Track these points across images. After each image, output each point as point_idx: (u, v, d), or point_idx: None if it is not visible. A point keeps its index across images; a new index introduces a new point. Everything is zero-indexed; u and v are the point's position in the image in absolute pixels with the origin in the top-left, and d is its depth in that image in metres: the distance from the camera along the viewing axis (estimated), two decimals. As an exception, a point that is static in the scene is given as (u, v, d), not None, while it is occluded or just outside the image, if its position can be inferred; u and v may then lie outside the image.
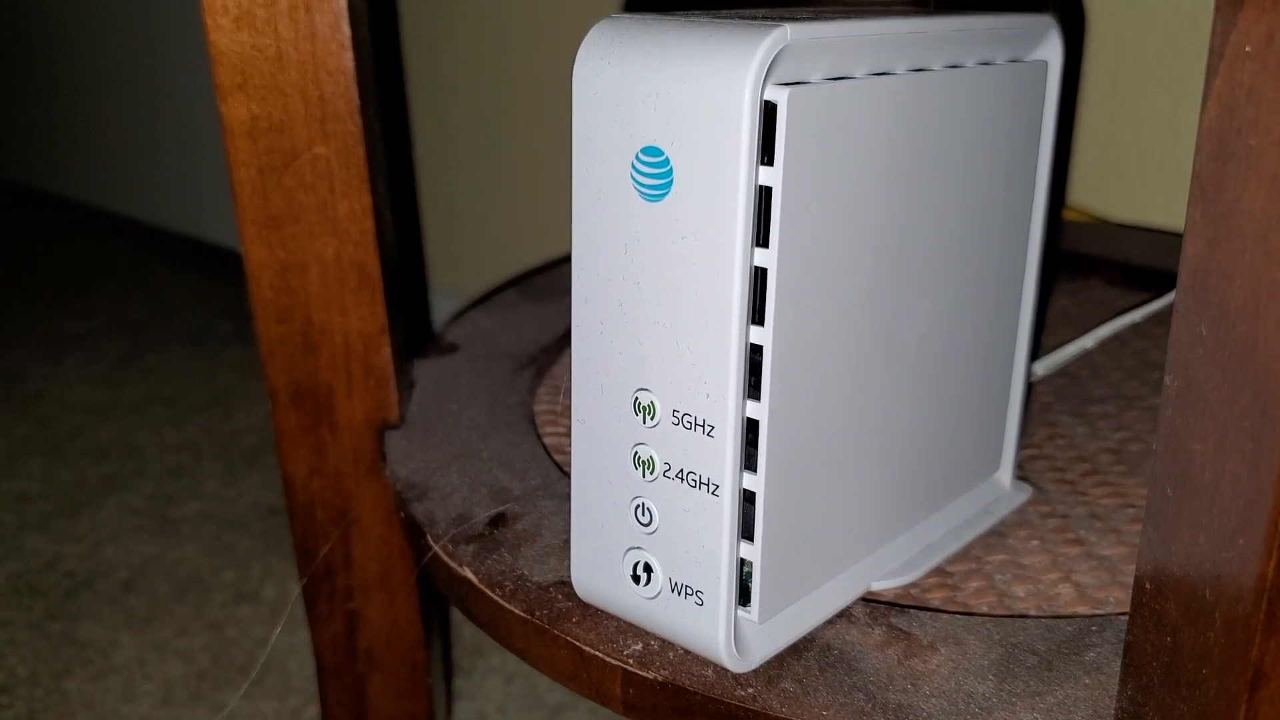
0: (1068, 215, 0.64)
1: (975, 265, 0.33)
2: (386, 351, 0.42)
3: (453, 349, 0.50)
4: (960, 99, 0.31)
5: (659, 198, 0.27)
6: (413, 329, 0.45)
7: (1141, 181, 0.64)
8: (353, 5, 0.38)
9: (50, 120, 1.49)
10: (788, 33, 0.25)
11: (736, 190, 0.25)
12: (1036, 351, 0.49)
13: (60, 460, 0.90)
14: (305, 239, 0.40)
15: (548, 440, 0.43)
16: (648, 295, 0.27)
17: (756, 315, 0.27)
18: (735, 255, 0.26)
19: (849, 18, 0.27)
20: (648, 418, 0.28)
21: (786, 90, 0.25)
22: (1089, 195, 0.66)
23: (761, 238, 0.26)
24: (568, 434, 0.44)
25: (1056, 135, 0.36)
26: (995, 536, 0.37)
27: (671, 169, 0.26)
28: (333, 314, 0.41)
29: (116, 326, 1.16)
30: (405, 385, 0.45)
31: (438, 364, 0.48)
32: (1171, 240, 0.60)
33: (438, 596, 0.49)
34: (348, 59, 0.38)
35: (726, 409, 0.27)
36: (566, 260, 0.60)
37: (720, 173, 0.25)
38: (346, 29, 0.38)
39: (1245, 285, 0.21)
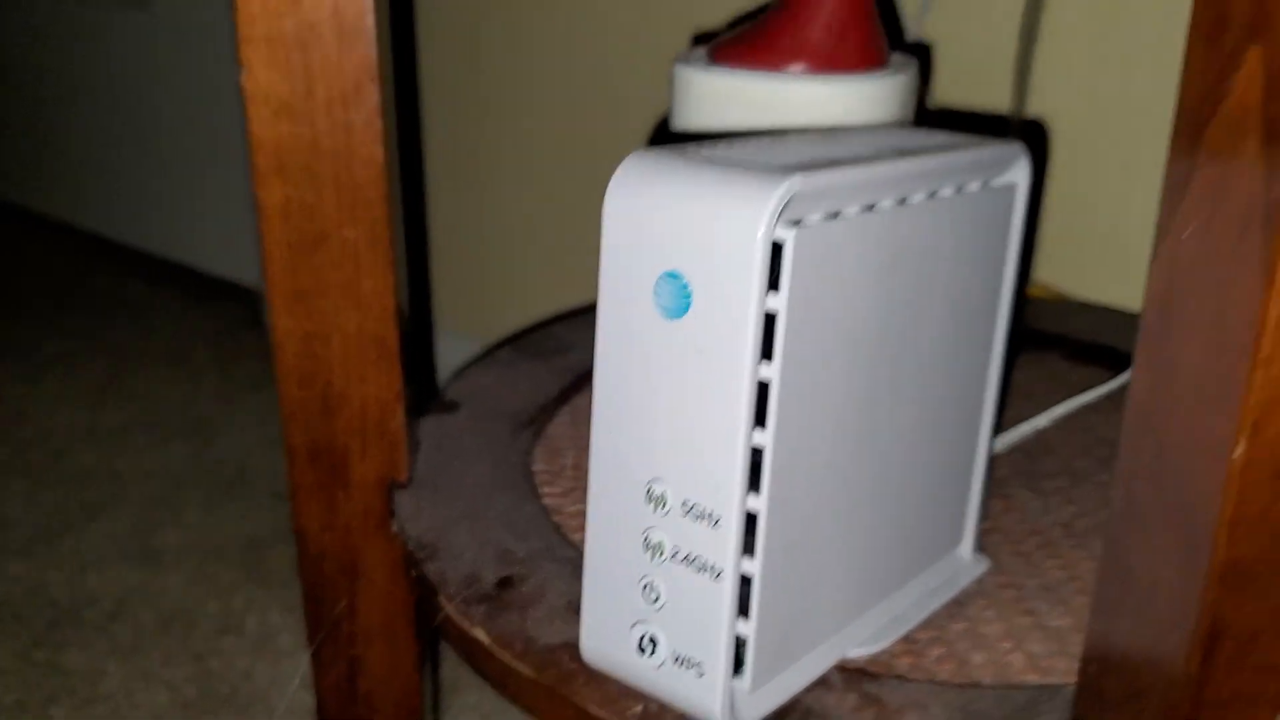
0: (1030, 292, 0.69)
1: (948, 366, 0.37)
2: (400, 416, 0.45)
3: (454, 407, 0.53)
4: (939, 224, 0.35)
5: (678, 316, 0.30)
6: (418, 377, 0.48)
7: (1099, 260, 0.69)
8: (385, 100, 0.41)
9: (30, 138, 1.50)
10: (796, 183, 0.29)
11: (747, 314, 0.29)
12: (996, 427, 0.53)
13: (42, 485, 0.92)
14: (330, 312, 0.43)
15: (547, 501, 0.46)
16: (664, 399, 0.31)
17: (759, 420, 0.30)
18: (744, 369, 0.29)
19: (844, 163, 0.31)
20: (659, 506, 0.31)
21: (792, 231, 0.29)
22: (1051, 271, 0.71)
23: (766, 353, 0.30)
24: (565, 495, 0.47)
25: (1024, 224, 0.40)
26: (956, 606, 0.40)
27: (690, 292, 0.30)
28: (352, 381, 0.44)
29: (96, 348, 1.17)
30: (411, 444, 0.48)
31: (440, 422, 0.52)
32: (1123, 319, 0.65)
33: (431, 643, 0.52)
34: (379, 150, 0.41)
35: (731, 503, 0.30)
36: (561, 318, 0.63)
37: (734, 299, 0.29)
38: (379, 123, 0.41)
39: (1181, 426, 0.25)
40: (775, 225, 0.29)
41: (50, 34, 1.38)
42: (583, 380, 0.57)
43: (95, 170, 1.42)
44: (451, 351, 1.03)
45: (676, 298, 0.30)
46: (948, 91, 0.71)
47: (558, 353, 0.59)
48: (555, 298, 0.96)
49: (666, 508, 0.31)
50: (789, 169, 0.30)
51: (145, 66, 1.28)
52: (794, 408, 0.31)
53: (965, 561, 0.42)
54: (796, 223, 0.30)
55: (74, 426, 1.01)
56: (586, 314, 0.64)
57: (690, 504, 0.31)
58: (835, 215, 0.31)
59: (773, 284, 0.29)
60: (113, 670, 0.71)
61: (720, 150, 0.32)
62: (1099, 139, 0.67)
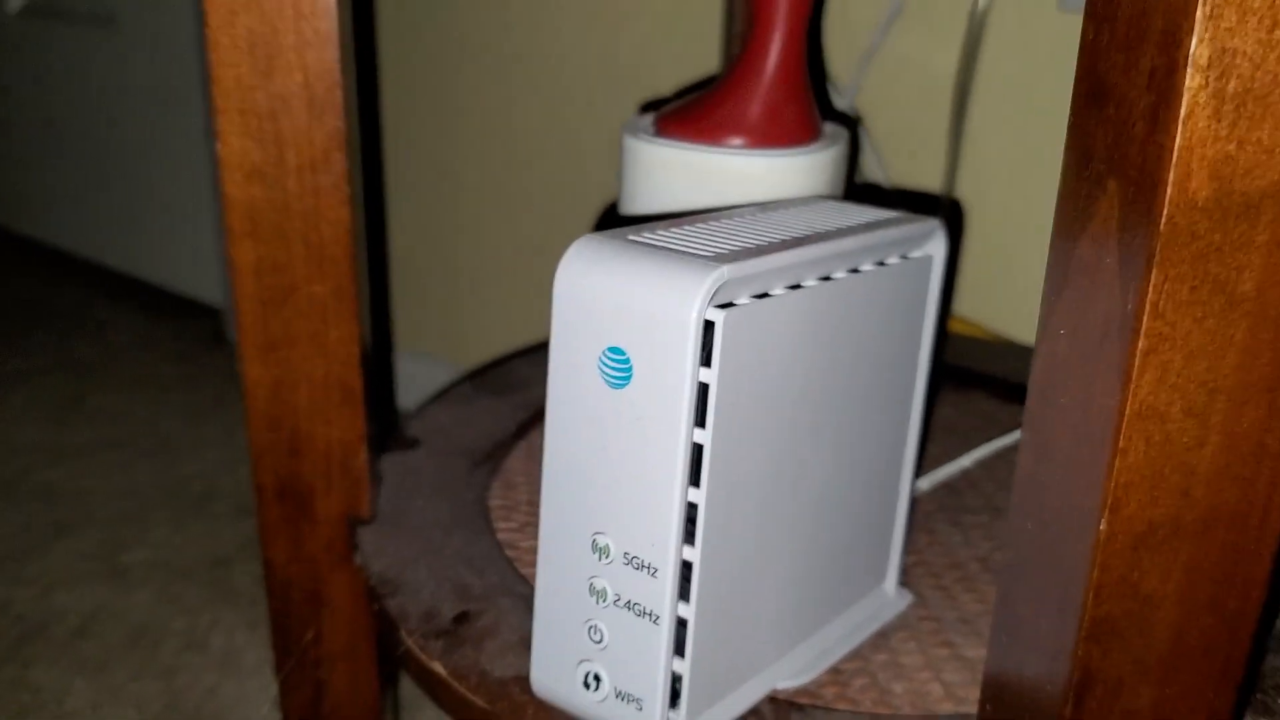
0: (958, 327, 0.72)
1: (870, 421, 0.41)
2: (363, 456, 0.48)
3: (415, 444, 0.56)
4: (860, 296, 0.38)
5: (621, 386, 0.33)
6: (379, 397, 0.50)
7: (1026, 299, 0.73)
8: (350, 165, 0.44)
9: (-9, 150, 1.50)
10: (725, 272, 0.32)
11: (682, 387, 0.32)
12: (922, 465, 0.56)
13: (8, 502, 0.94)
14: (298, 361, 0.46)
15: (501, 536, 0.49)
16: (607, 460, 0.34)
17: (694, 479, 0.33)
18: (680, 435, 0.33)
19: (771, 248, 0.34)
20: (603, 556, 0.35)
21: (722, 313, 0.32)
22: (977, 308, 0.74)
23: (700, 420, 0.33)
24: (519, 529, 0.50)
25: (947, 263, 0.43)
26: (880, 638, 0.44)
27: (631, 366, 0.33)
28: (318, 424, 0.47)
29: (61, 366, 1.19)
30: (374, 479, 0.51)
31: (402, 459, 0.54)
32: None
33: (392, 666, 0.55)
34: (345, 212, 0.44)
35: (668, 555, 0.33)
36: (519, 354, 0.66)
37: (670, 372, 0.32)
38: (346, 187, 0.44)
39: (1057, 499, 0.29)
40: (707, 308, 0.32)
41: (16, 50, 1.39)
42: (538, 416, 0.60)
43: (60, 187, 1.43)
44: (411, 371, 1.06)
45: (619, 370, 0.33)
46: (878, 166, 0.75)
47: (515, 389, 0.62)
48: (515, 320, 0.99)
49: (610, 558, 0.34)
50: (721, 258, 0.33)
51: (111, 85, 1.29)
52: (725, 468, 0.34)
53: (889, 596, 0.46)
54: (728, 305, 0.33)
55: (40, 444, 1.03)
56: (543, 349, 0.67)
57: (631, 555, 0.34)
58: (763, 295, 0.34)
59: (705, 359, 0.33)
60: (80, 686, 0.73)
61: (660, 234, 0.35)
62: (1028, 195, 0.71)
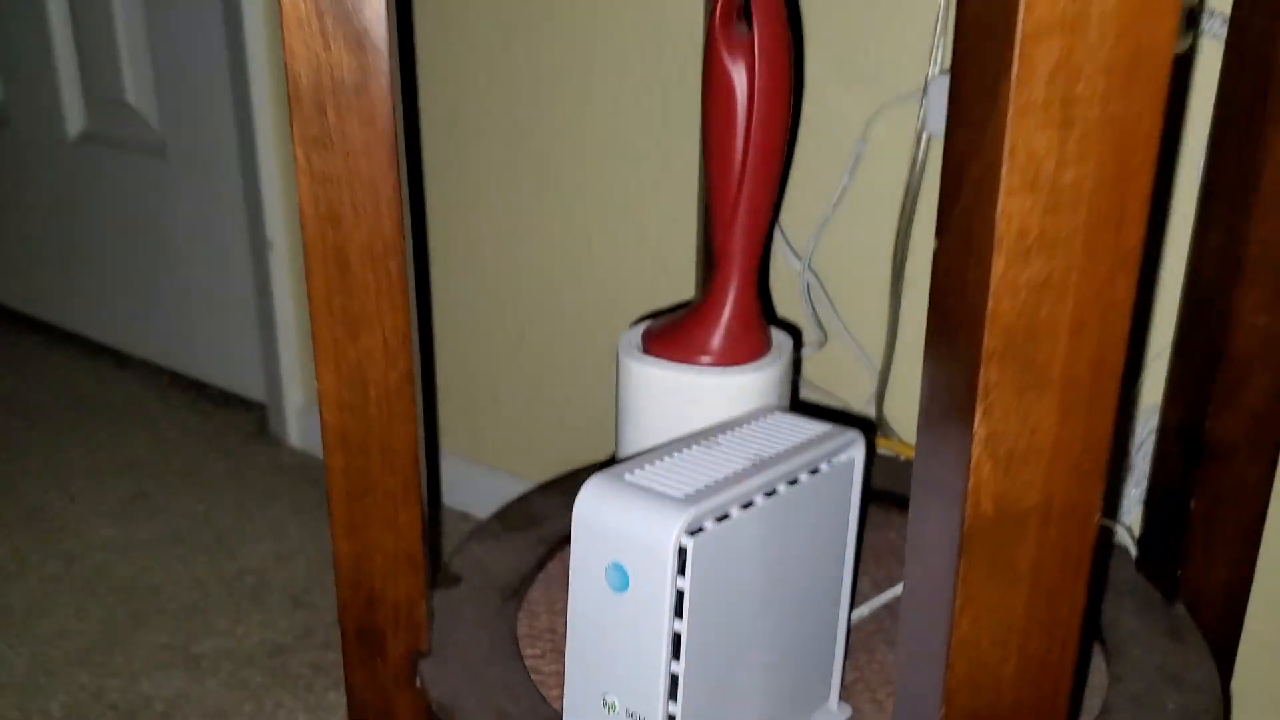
0: (903, 450, 0.86)
1: (812, 585, 0.54)
2: (422, 609, 0.62)
3: (457, 580, 0.70)
4: (798, 499, 0.52)
5: (622, 591, 0.47)
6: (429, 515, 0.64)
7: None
8: (415, 393, 0.58)
9: (58, 262, 1.65)
10: (693, 512, 0.46)
11: (665, 593, 0.46)
12: (865, 590, 0.70)
13: (91, 597, 1.07)
14: (375, 538, 0.59)
15: (529, 662, 0.63)
16: (613, 642, 0.48)
17: (675, 655, 0.47)
18: (664, 627, 0.46)
19: (727, 482, 0.48)
20: (611, 711, 0.48)
21: (692, 539, 0.46)
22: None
23: (679, 613, 0.47)
24: (542, 656, 0.64)
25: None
26: (824, 746, 0.57)
27: (629, 577, 0.47)
28: (389, 585, 0.60)
29: (120, 462, 1.33)
30: (429, 617, 0.64)
31: (447, 595, 0.68)
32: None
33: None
34: (411, 429, 0.58)
35: (657, 711, 0.47)
36: (538, 489, 0.80)
37: (656, 583, 0.46)
38: (413, 410, 0.57)
39: (918, 685, 0.42)
40: (680, 539, 0.46)
41: (79, 173, 1.54)
42: (554, 549, 0.73)
43: (114, 292, 1.57)
44: (453, 473, 1.20)
45: (620, 580, 0.47)
46: (833, 316, 0.89)
47: (534, 524, 0.76)
48: (538, 427, 1.13)
49: (616, 712, 0.48)
50: (690, 498, 0.47)
51: (162, 204, 1.43)
52: (698, 647, 0.48)
53: (833, 712, 0.59)
54: (698, 529, 0.47)
55: (111, 541, 1.17)
56: (558, 484, 0.81)
57: (631, 711, 0.48)
58: (724, 517, 0.48)
59: (681, 572, 0.46)
60: (169, 768, 0.87)
61: (649, 470, 0.49)
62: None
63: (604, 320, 1.04)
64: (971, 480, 0.37)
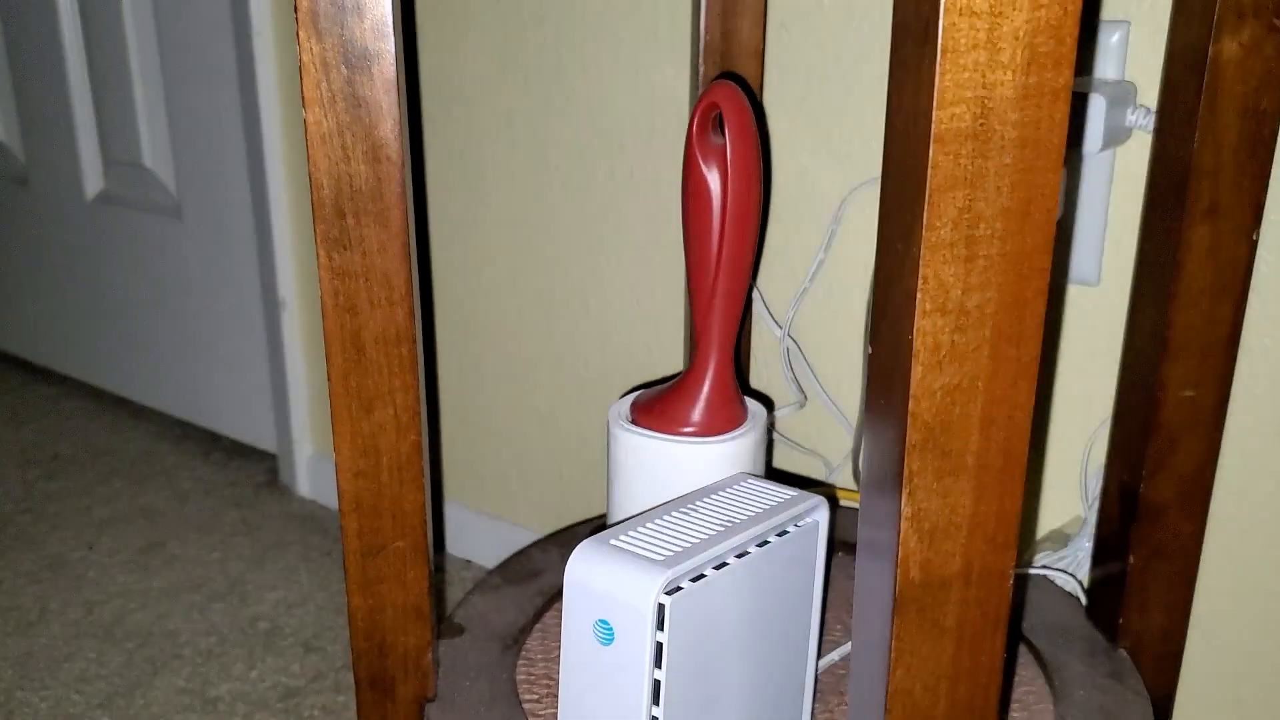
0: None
1: (781, 638, 0.61)
2: (429, 658, 0.68)
3: (461, 630, 0.76)
4: (768, 559, 0.58)
5: (608, 644, 0.53)
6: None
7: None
8: (425, 463, 0.64)
9: (74, 317, 1.72)
10: (670, 574, 0.52)
11: (645, 646, 0.52)
12: (833, 633, 0.76)
13: (110, 643, 1.13)
14: (386, 593, 0.66)
15: (526, 706, 0.69)
16: (601, 690, 0.54)
17: (655, 699, 0.53)
18: (644, 675, 0.52)
19: (701, 545, 0.55)
20: (598, 750, 0.54)
21: (670, 598, 0.52)
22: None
23: (658, 664, 0.53)
24: (539, 701, 0.70)
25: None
26: (793, 782, 0.63)
27: (614, 632, 0.53)
28: (399, 636, 0.67)
29: (136, 513, 1.39)
30: (435, 665, 0.70)
31: (452, 645, 0.74)
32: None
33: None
34: (420, 494, 0.64)
35: (638, 750, 0.53)
36: (536, 544, 0.86)
37: (637, 637, 0.52)
38: (421, 478, 0.64)
39: (866, 695, 0.48)
40: (659, 598, 0.52)
41: (98, 232, 1.61)
42: (550, 601, 0.80)
43: (129, 345, 1.64)
44: (455, 520, 1.26)
45: (606, 634, 0.53)
46: (812, 379, 0.95)
47: (532, 577, 0.82)
48: (538, 479, 1.19)
49: (602, 751, 0.54)
50: (668, 560, 0.53)
51: (177, 263, 1.51)
52: (676, 691, 0.54)
53: (801, 750, 0.65)
54: (675, 589, 0.53)
55: (129, 589, 1.23)
56: (556, 538, 0.87)
57: (615, 749, 0.54)
58: (699, 577, 0.55)
59: (660, 625, 0.53)
60: (189, 806, 0.92)
61: (632, 536, 0.56)
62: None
63: (600, 379, 1.10)
64: (901, 551, 0.43)
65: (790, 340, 0.95)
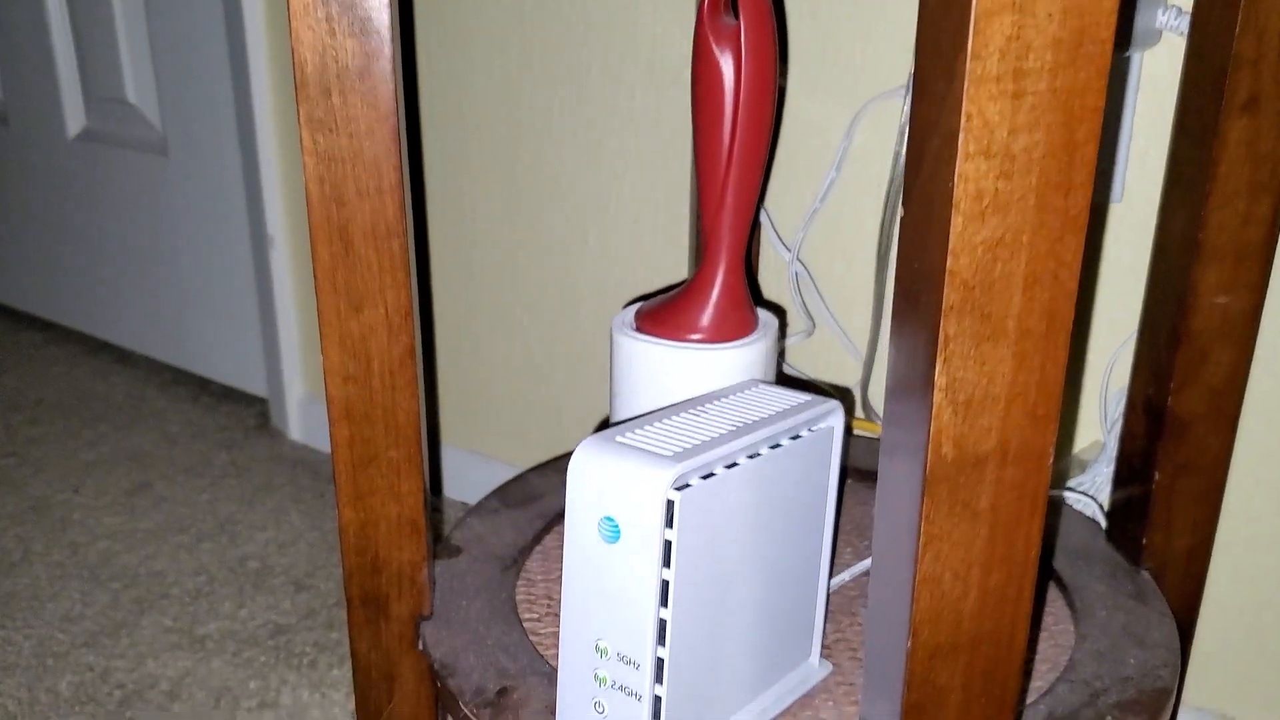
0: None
1: (793, 546, 0.58)
2: (424, 573, 0.64)
3: (458, 551, 0.73)
4: (781, 463, 0.55)
5: (613, 542, 0.50)
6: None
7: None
8: (417, 370, 0.61)
9: (58, 260, 1.68)
10: (679, 468, 0.49)
11: (654, 544, 0.49)
12: (846, 559, 0.73)
13: (96, 584, 1.10)
14: (378, 506, 0.62)
15: (527, 625, 0.66)
16: (606, 591, 0.51)
17: (664, 602, 0.50)
18: (653, 575, 0.49)
19: (712, 442, 0.51)
20: (603, 655, 0.51)
21: (679, 493, 0.49)
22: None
23: (666, 563, 0.50)
24: (540, 620, 0.67)
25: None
26: (805, 699, 0.60)
27: (620, 529, 0.50)
28: (392, 551, 0.63)
29: (123, 455, 1.35)
30: (431, 584, 0.67)
31: (449, 565, 0.71)
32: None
33: (444, 723, 0.71)
34: (415, 403, 0.61)
35: (647, 654, 0.50)
36: (535, 469, 0.83)
37: (646, 535, 0.49)
38: (415, 385, 0.60)
39: (887, 623, 0.45)
40: (668, 492, 0.49)
41: (80, 171, 1.57)
42: (551, 524, 0.76)
43: (114, 290, 1.60)
44: (452, 463, 1.23)
45: (612, 532, 0.50)
46: (821, 306, 0.92)
47: (532, 501, 0.79)
48: (536, 420, 1.16)
49: (608, 656, 0.51)
50: (678, 455, 0.50)
51: (163, 201, 1.46)
52: (685, 594, 0.51)
53: (815, 668, 0.62)
54: (684, 485, 0.50)
55: (115, 531, 1.19)
56: (554, 464, 0.84)
57: (622, 654, 0.51)
58: (709, 475, 0.51)
59: (669, 522, 0.49)
60: (176, 742, 0.89)
61: (638, 434, 0.52)
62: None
63: (600, 314, 1.07)
64: (933, 426, 0.40)
65: (799, 264, 0.92)
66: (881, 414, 0.92)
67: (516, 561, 0.72)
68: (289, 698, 0.94)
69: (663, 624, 0.50)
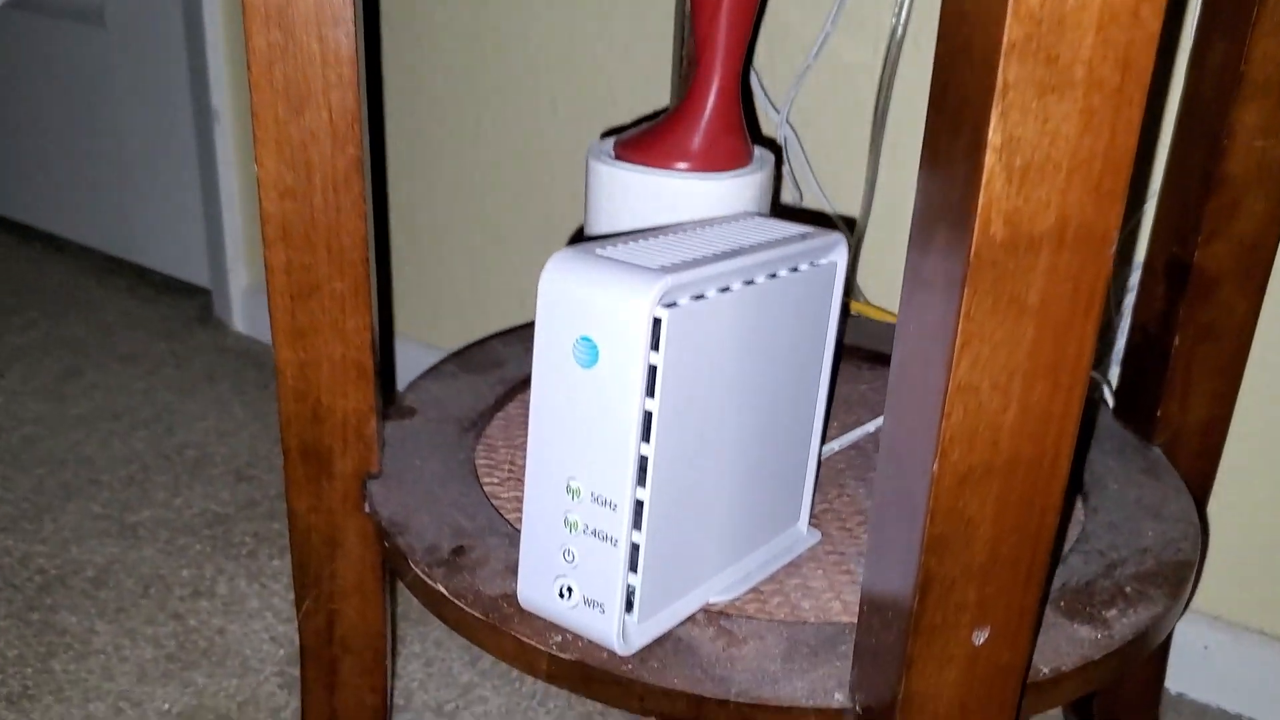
0: (873, 313, 0.83)
1: (786, 393, 0.51)
2: (373, 424, 0.58)
3: (411, 412, 0.66)
4: (777, 296, 0.49)
5: (589, 366, 0.43)
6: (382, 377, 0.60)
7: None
8: (365, 185, 0.53)
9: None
10: (668, 281, 0.42)
11: (637, 367, 0.42)
12: (837, 431, 0.67)
13: (17, 468, 1.02)
14: (321, 345, 0.55)
15: (487, 489, 0.59)
16: (579, 422, 0.44)
17: (645, 436, 0.44)
18: (635, 404, 0.43)
19: (705, 260, 0.45)
20: (575, 496, 0.45)
21: (667, 311, 0.42)
22: (893, 298, 0.85)
23: (650, 392, 0.43)
24: (500, 484, 0.60)
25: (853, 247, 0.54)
26: (793, 567, 0.55)
27: (598, 351, 0.43)
28: (336, 397, 0.56)
29: (55, 343, 1.26)
30: (380, 442, 0.60)
31: (401, 425, 0.64)
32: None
33: (391, 600, 0.65)
34: (361, 224, 0.53)
35: (625, 494, 0.44)
36: (496, 336, 0.76)
37: (628, 356, 0.42)
38: (363, 204, 0.53)
39: (907, 448, 0.39)
40: (655, 308, 0.42)
41: (9, 42, 1.46)
42: (514, 390, 0.70)
43: (48, 173, 1.49)
44: (406, 355, 1.16)
45: (589, 355, 0.43)
46: (809, 173, 0.85)
47: (494, 367, 0.72)
48: (495, 310, 1.09)
49: (580, 498, 0.45)
50: (666, 269, 0.43)
51: (99, 75, 1.36)
52: (669, 428, 0.44)
53: (803, 535, 0.56)
54: (672, 304, 0.43)
55: (42, 416, 1.11)
56: (518, 332, 0.77)
57: (597, 495, 0.44)
58: (699, 296, 0.45)
59: (655, 346, 0.43)
60: (101, 629, 0.82)
61: (620, 248, 0.46)
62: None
63: (566, 198, 0.99)
64: (983, 197, 0.34)
65: (789, 128, 0.85)
66: (869, 299, 0.86)
67: (476, 425, 0.65)
68: (225, 587, 0.88)
69: (643, 461, 0.44)
